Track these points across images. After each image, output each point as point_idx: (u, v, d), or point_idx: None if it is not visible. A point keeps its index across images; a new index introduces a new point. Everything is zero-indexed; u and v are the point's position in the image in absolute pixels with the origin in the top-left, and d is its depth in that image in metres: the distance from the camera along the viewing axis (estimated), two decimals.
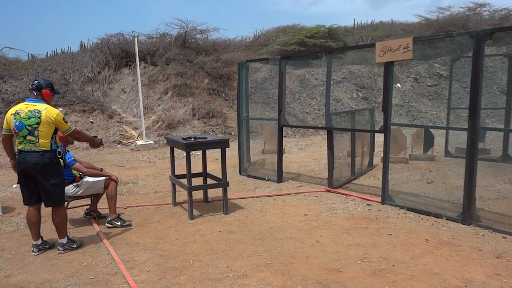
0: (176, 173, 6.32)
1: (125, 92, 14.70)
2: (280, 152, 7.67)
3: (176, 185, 6.21)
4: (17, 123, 4.21)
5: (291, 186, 7.27)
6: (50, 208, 4.49)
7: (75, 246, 4.57)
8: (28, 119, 4.19)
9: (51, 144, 4.27)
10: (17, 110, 4.27)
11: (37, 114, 4.20)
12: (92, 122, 12.99)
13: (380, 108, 6.19)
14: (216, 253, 4.39)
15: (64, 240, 4.52)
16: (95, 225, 5.34)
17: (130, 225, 5.34)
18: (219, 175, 5.97)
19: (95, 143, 4.87)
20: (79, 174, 5.32)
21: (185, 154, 5.69)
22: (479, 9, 21.96)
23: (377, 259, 4.15)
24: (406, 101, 16.25)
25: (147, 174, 8.47)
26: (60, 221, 4.47)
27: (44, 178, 4.27)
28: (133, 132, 12.74)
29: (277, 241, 4.71)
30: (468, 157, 5.11)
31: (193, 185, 5.77)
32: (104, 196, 5.46)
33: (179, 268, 4.04)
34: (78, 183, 5.28)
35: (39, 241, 4.52)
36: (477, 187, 5.26)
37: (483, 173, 7.00)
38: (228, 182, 5.88)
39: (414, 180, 7.35)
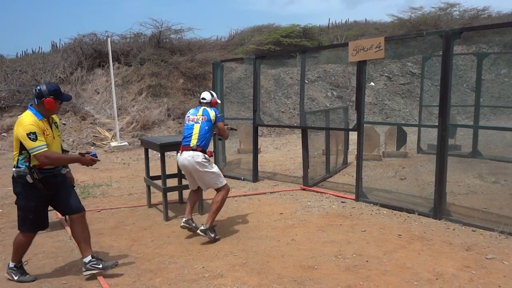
0: (151, 174, 6.26)
1: (99, 93, 14.48)
2: (256, 151, 7.68)
3: (151, 187, 6.16)
4: None
5: (266, 185, 7.29)
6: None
7: (14, 276, 3.84)
8: None
9: (18, 161, 3.64)
10: None
11: None
12: (64, 124, 12.75)
13: (354, 106, 6.27)
14: (191, 254, 4.38)
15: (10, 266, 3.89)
16: (68, 228, 5.24)
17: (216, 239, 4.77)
18: None
19: (84, 162, 3.81)
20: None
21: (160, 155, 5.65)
22: (449, 9, 22.44)
23: (351, 255, 4.20)
24: (380, 99, 16.49)
25: (122, 176, 8.37)
26: (14, 244, 3.86)
27: (15, 194, 3.77)
28: (107, 134, 12.57)
29: (252, 240, 4.73)
30: (439, 153, 5.23)
31: (168, 186, 5.73)
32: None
33: (154, 270, 4.01)
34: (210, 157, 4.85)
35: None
36: (447, 182, 5.39)
37: (454, 169, 7.17)
38: None
39: (388, 177, 7.47)
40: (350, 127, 7.49)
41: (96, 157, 3.87)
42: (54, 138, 3.75)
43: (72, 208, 3.87)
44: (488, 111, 14.74)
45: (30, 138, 3.52)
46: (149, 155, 6.34)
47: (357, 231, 4.90)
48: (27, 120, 3.58)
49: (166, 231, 5.14)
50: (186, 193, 6.55)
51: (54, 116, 3.87)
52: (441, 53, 5.19)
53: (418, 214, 5.39)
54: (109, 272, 3.91)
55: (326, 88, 16.81)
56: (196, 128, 4.79)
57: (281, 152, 11.04)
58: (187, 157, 4.68)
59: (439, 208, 5.22)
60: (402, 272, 3.81)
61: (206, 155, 4.72)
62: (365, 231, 4.90)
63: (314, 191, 6.76)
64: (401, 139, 8.54)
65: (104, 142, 12.13)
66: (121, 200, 6.65)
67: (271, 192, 6.80)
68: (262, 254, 4.33)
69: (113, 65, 12.71)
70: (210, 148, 4.98)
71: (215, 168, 4.79)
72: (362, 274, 3.79)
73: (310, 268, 3.96)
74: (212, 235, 4.70)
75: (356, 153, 6.26)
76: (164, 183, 5.62)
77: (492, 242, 4.44)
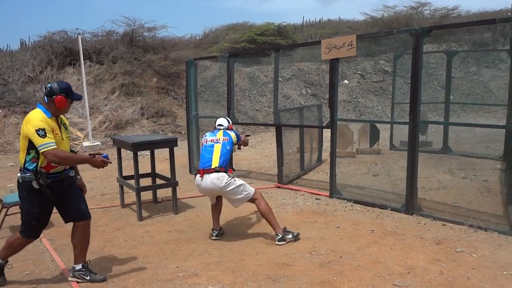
0: (125, 174, 6.18)
1: None
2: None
3: (124, 187, 6.08)
4: None
5: None
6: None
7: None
8: None
9: (25, 161, 3.45)
10: None
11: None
12: None
13: (328, 104, 6.32)
14: (165, 254, 4.34)
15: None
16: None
17: (298, 236, 4.66)
18: (169, 174, 5.89)
19: (94, 163, 3.58)
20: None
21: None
22: (421, 8, 22.90)
23: (325, 252, 4.24)
24: (354, 97, 16.68)
25: (94, 176, 8.23)
26: (10, 241, 3.72)
27: (19, 197, 3.62)
28: (79, 134, 12.34)
29: (227, 239, 4.72)
30: (410, 150, 5.32)
31: (141, 185, 5.67)
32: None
33: (128, 271, 3.96)
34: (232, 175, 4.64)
35: None
36: (419, 178, 5.50)
37: (425, 165, 7.31)
38: (177, 181, 5.83)
39: (361, 174, 7.56)
40: (324, 124, 7.55)
41: (108, 158, 3.63)
42: (63, 139, 3.59)
43: (78, 215, 3.73)
44: (458, 108, 15.08)
45: (39, 135, 3.33)
46: (123, 155, 6.26)
47: (331, 228, 4.94)
48: (36, 117, 3.41)
49: (140, 231, 5.08)
50: (160, 192, 6.50)
51: (62, 117, 3.71)
52: (412, 51, 5.28)
53: (391, 210, 5.47)
54: None
55: (300, 86, 16.91)
56: (218, 148, 4.61)
57: (256, 150, 11.05)
58: (212, 180, 4.44)
59: (410, 204, 5.32)
60: (374, 266, 3.87)
61: (229, 174, 4.54)
62: (339, 227, 4.95)
63: (288, 188, 6.79)
64: (374, 136, 8.65)
65: (76, 142, 11.90)
66: (94, 200, 6.53)
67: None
68: (237, 252, 4.33)
69: (84, 64, 12.48)
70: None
71: (239, 181, 4.61)
72: (335, 270, 3.83)
73: (285, 265, 3.97)
74: (290, 236, 4.56)
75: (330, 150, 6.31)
76: (137, 182, 5.55)
77: (461, 235, 4.55)
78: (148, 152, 9.03)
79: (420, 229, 4.79)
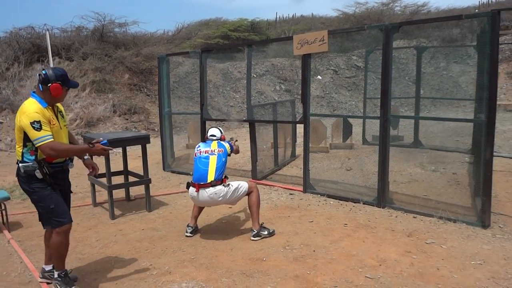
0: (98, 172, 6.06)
1: None
2: None
3: (96, 185, 5.97)
4: None
5: None
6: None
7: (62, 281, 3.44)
8: None
9: (22, 154, 3.27)
10: None
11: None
12: (1, 123, 12.11)
13: (301, 99, 6.36)
14: (139, 252, 4.29)
15: (54, 273, 3.50)
16: (6, 232, 4.99)
17: (274, 233, 4.65)
18: (142, 172, 5.81)
19: (94, 152, 3.37)
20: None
21: None
22: (391, 4, 23.24)
23: (299, 246, 4.27)
24: (327, 92, 16.82)
25: None
26: (52, 247, 3.44)
27: (25, 192, 3.43)
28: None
29: (202, 236, 4.70)
30: (381, 144, 5.40)
31: (113, 183, 5.58)
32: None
33: (100, 270, 3.90)
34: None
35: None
36: (390, 171, 5.59)
37: (397, 159, 7.43)
38: (150, 179, 5.77)
39: (334, 168, 7.64)
40: (297, 120, 7.58)
41: (108, 145, 3.40)
42: (61, 128, 3.39)
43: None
44: (428, 102, 15.37)
45: (34, 127, 3.12)
46: None
47: (304, 222, 4.98)
48: (31, 107, 3.19)
49: (112, 230, 5.01)
50: (133, 190, 6.42)
51: (59, 105, 3.49)
52: (382, 47, 5.35)
53: (363, 203, 5.55)
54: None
55: (274, 81, 16.94)
56: (213, 160, 4.51)
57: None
58: (209, 195, 4.40)
59: (382, 197, 5.41)
60: (347, 260, 3.92)
61: (224, 184, 4.47)
62: (312, 221, 4.99)
63: (263, 184, 6.80)
64: (347, 131, 8.74)
65: None
66: None
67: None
68: (211, 248, 4.32)
69: (53, 60, 12.20)
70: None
71: (233, 184, 4.54)
72: (309, 264, 3.86)
73: (259, 260, 3.98)
74: (266, 232, 4.56)
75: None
76: (109, 180, 5.46)
77: (431, 227, 4.65)
78: (120, 150, 8.90)
79: (391, 222, 4.88)
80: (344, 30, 8.46)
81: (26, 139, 3.22)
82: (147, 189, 5.67)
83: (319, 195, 6.03)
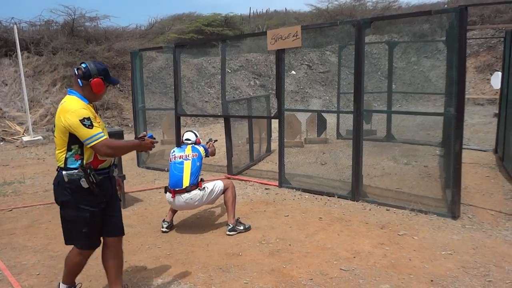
0: None
1: (7, 85, 13.45)
2: (179, 142, 7.54)
3: None
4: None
5: None
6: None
7: None
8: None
9: (65, 160, 2.87)
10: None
11: (57, 112, 2.89)
12: None
13: (275, 94, 6.38)
14: None
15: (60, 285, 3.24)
16: None
17: (249, 228, 4.65)
18: None
19: (144, 147, 3.10)
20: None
21: None
22: None
23: (275, 240, 4.30)
24: (301, 87, 16.91)
25: (36, 172, 7.89)
26: (68, 263, 3.15)
27: (58, 204, 3.04)
28: (18, 128, 11.75)
29: (177, 231, 4.69)
30: (355, 138, 5.48)
31: None
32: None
33: None
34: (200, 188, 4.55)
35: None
36: (364, 165, 5.68)
37: (370, 152, 7.55)
38: (125, 175, 5.71)
39: (309, 163, 7.70)
40: (272, 115, 7.61)
41: (154, 138, 3.14)
42: (103, 128, 3.00)
43: (118, 229, 3.14)
44: (401, 97, 15.64)
45: (85, 125, 2.75)
46: None
47: (280, 217, 5.02)
48: (76, 104, 2.82)
49: None
50: None
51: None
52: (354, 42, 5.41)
53: (338, 197, 5.62)
54: (24, 275, 3.69)
55: (248, 77, 16.93)
56: (187, 165, 4.52)
57: (205, 141, 10.96)
58: (185, 200, 4.44)
59: (356, 191, 5.49)
60: (322, 253, 3.97)
61: (199, 188, 4.49)
62: (288, 216, 5.03)
63: (238, 179, 6.81)
64: (321, 125, 8.83)
65: (15, 137, 11.34)
66: (36, 197, 6.27)
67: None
68: (187, 244, 4.31)
69: (21, 55, 11.87)
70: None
71: (208, 186, 4.56)
72: (285, 258, 3.89)
73: (235, 255, 4.00)
74: (241, 227, 4.56)
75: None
76: None
77: (403, 219, 4.76)
78: None
79: (365, 215, 4.96)
80: (317, 26, 8.53)
81: (72, 141, 2.83)
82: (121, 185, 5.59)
83: (294, 190, 6.08)
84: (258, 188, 6.31)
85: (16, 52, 11.49)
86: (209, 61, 16.85)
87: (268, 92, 14.91)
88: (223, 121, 7.79)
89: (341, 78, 10.81)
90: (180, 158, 4.60)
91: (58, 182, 2.92)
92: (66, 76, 13.92)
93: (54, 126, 2.92)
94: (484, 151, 8.12)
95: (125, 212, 5.35)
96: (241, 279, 3.53)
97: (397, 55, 16.26)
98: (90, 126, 2.77)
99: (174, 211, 4.81)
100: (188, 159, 4.58)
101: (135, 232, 4.71)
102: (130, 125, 12.76)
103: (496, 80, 10.70)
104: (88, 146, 2.81)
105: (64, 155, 2.87)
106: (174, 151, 4.74)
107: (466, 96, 14.77)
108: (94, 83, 2.90)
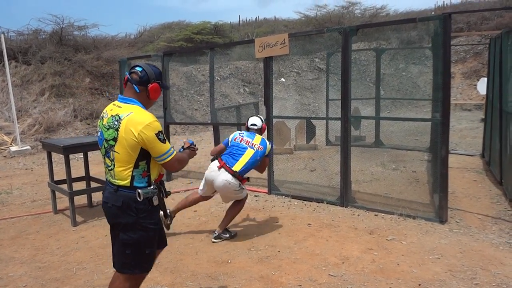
0: (59, 178, 5.93)
1: None
2: None
3: (56, 192, 5.83)
4: (99, 133, 2.68)
5: (180, 184, 7.22)
6: None
7: None
8: (107, 129, 2.59)
9: (132, 178, 2.58)
10: (103, 112, 2.72)
11: (116, 123, 2.55)
12: None
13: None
14: (102, 259, 4.22)
15: None
16: None
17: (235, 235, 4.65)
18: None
19: (193, 155, 2.98)
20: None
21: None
22: (351, 7, 23.73)
23: (264, 247, 4.31)
24: (291, 94, 16.98)
25: (24, 183, 7.81)
26: None
27: (116, 228, 2.68)
28: (5, 138, 11.65)
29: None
30: (343, 144, 5.52)
31: (75, 190, 5.46)
32: None
33: (61, 278, 3.81)
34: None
35: None
36: (353, 171, 5.72)
37: (359, 158, 7.61)
38: None
39: (298, 169, 7.72)
40: None
41: (195, 145, 3.00)
42: None
43: (165, 240, 3.01)
44: (389, 103, 15.77)
45: (160, 139, 2.53)
46: (56, 159, 6.00)
47: (269, 223, 5.02)
48: (147, 116, 2.54)
49: (74, 237, 4.89)
50: (96, 196, 6.28)
51: None
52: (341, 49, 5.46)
53: (327, 203, 5.65)
54: (10, 286, 3.65)
55: (238, 84, 16.98)
56: (248, 154, 4.45)
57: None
58: (223, 179, 4.34)
59: (345, 196, 5.52)
60: (311, 259, 3.98)
61: (241, 183, 4.44)
62: (277, 222, 5.04)
63: None
64: (310, 132, 8.88)
65: (2, 147, 11.24)
66: (23, 208, 6.21)
67: (185, 190, 6.74)
68: (176, 252, 4.29)
69: (9, 64, 11.79)
70: None
71: (243, 189, 4.55)
72: (274, 264, 3.90)
73: (224, 263, 3.99)
74: (227, 235, 4.58)
75: None
76: (70, 187, 5.34)
77: (392, 224, 4.79)
78: (81, 155, 8.71)
79: (354, 220, 4.99)
80: (304, 33, 8.60)
81: (140, 157, 2.56)
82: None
83: (283, 196, 6.09)
84: (248, 195, 6.30)
85: (4, 61, 11.42)
86: (199, 69, 16.88)
87: (257, 99, 14.95)
88: (212, 129, 7.78)
89: (330, 85, 10.87)
90: (246, 144, 4.53)
91: (123, 202, 2.57)
92: (54, 85, 13.85)
93: (114, 140, 2.56)
94: (472, 155, 8.20)
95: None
96: (230, 286, 3.53)
97: (385, 61, 16.42)
98: (164, 140, 2.57)
99: (183, 207, 4.70)
100: (253, 148, 4.50)
101: None
102: None
103: (482, 85, 10.87)
104: (161, 162, 2.61)
105: (130, 173, 2.57)
106: (243, 133, 4.67)
107: (454, 102, 14.99)
108: (152, 88, 2.63)
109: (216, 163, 4.49)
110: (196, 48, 17.86)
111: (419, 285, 3.42)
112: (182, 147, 2.92)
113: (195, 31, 21.03)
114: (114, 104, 2.66)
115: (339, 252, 4.11)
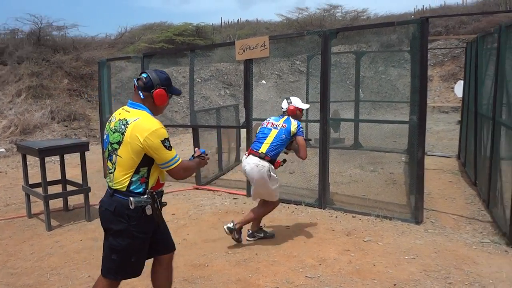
0: (34, 181, 5.82)
1: None
2: None
3: (31, 196, 5.72)
4: (105, 136, 2.71)
5: (180, 184, 7.12)
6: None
7: None
8: (114, 133, 2.60)
9: (130, 183, 2.57)
10: (112, 116, 2.73)
11: (122, 127, 2.57)
12: None
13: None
14: (76, 264, 4.15)
15: None
16: None
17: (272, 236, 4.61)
18: (81, 180, 5.62)
19: (203, 164, 2.95)
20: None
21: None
22: (333, 10, 23.92)
23: (242, 250, 4.30)
24: (271, 96, 17.02)
25: None
26: None
27: (108, 232, 2.68)
28: None
29: None
30: (321, 146, 5.55)
31: (50, 193, 5.37)
32: None
33: (33, 284, 3.75)
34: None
35: None
36: (331, 173, 5.75)
37: (338, 160, 7.66)
38: (90, 187, 5.59)
39: (277, 172, 7.69)
40: (241, 124, 7.62)
41: (206, 154, 2.94)
42: None
43: (171, 244, 3.00)
44: (369, 105, 15.92)
45: (165, 146, 2.52)
46: (31, 162, 5.89)
47: (248, 226, 4.99)
48: (154, 122, 2.54)
49: (49, 241, 4.80)
50: (72, 200, 6.19)
51: None
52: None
53: (305, 205, 5.67)
54: None
55: (219, 86, 16.95)
56: (272, 134, 4.35)
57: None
58: (251, 163, 4.24)
59: (323, 198, 5.54)
60: (288, 261, 3.99)
61: (272, 167, 4.30)
62: None
63: (207, 189, 6.78)
64: None
65: None
66: None
67: (184, 190, 6.69)
68: None
69: None
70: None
71: (277, 183, 4.42)
72: (251, 267, 3.89)
73: (202, 266, 3.97)
74: (261, 234, 4.55)
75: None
76: (45, 190, 5.24)
77: (369, 226, 4.83)
78: (57, 158, 8.57)
79: (332, 222, 5.01)
80: (285, 36, 8.63)
81: (143, 163, 2.56)
82: (87, 198, 5.49)
83: None
84: (226, 197, 6.29)
85: None
86: (180, 71, 16.79)
87: (238, 102, 14.92)
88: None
89: (310, 87, 10.93)
90: (271, 126, 4.46)
91: (115, 208, 2.57)
92: (31, 86, 13.61)
93: (118, 144, 2.56)
94: (448, 157, 8.34)
95: (89, 226, 5.29)
96: None
97: (365, 64, 16.59)
98: (170, 147, 2.56)
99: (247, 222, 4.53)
100: (276, 128, 4.41)
101: (100, 246, 4.53)
102: (98, 136, 12.54)
103: (459, 88, 11.01)
104: (166, 169, 2.61)
105: (129, 178, 2.56)
106: (270, 118, 4.61)
107: (432, 104, 15.20)
108: (156, 94, 2.63)
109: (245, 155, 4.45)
110: (177, 49, 17.76)
111: (394, 285, 3.45)
112: (193, 155, 2.89)
113: (176, 32, 20.93)
114: (123, 109, 2.68)
115: (317, 253, 4.12)
